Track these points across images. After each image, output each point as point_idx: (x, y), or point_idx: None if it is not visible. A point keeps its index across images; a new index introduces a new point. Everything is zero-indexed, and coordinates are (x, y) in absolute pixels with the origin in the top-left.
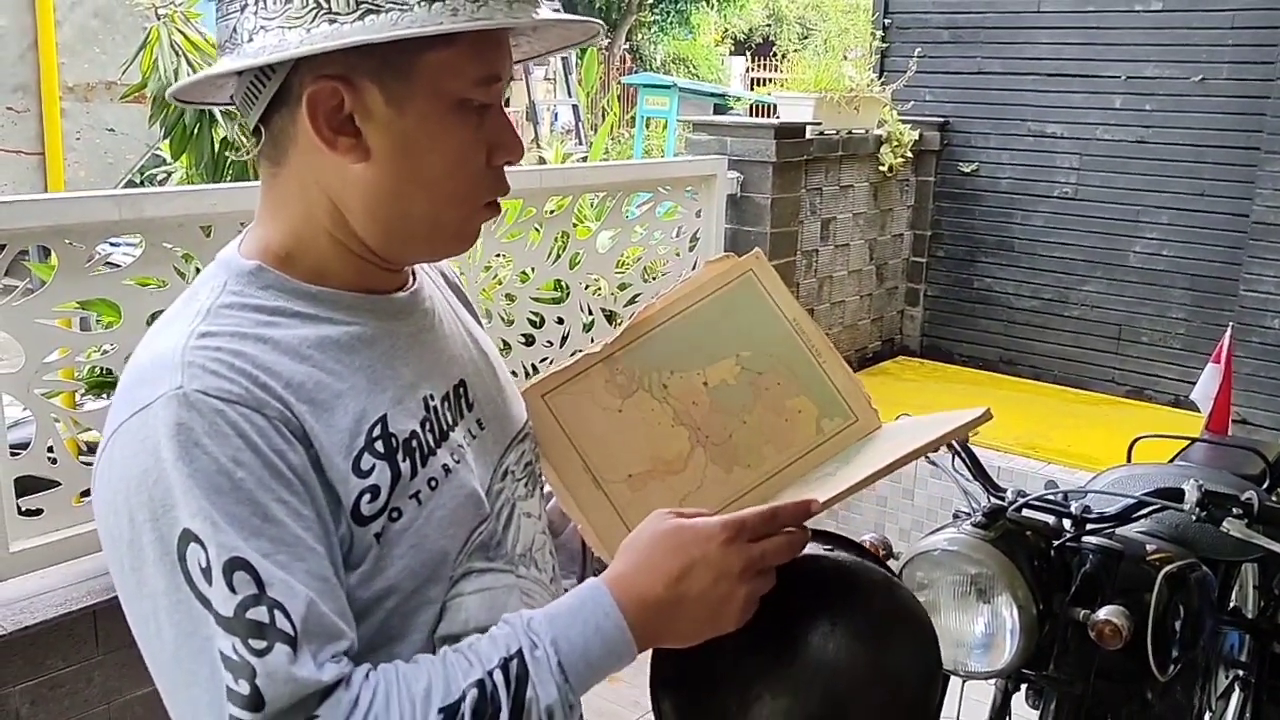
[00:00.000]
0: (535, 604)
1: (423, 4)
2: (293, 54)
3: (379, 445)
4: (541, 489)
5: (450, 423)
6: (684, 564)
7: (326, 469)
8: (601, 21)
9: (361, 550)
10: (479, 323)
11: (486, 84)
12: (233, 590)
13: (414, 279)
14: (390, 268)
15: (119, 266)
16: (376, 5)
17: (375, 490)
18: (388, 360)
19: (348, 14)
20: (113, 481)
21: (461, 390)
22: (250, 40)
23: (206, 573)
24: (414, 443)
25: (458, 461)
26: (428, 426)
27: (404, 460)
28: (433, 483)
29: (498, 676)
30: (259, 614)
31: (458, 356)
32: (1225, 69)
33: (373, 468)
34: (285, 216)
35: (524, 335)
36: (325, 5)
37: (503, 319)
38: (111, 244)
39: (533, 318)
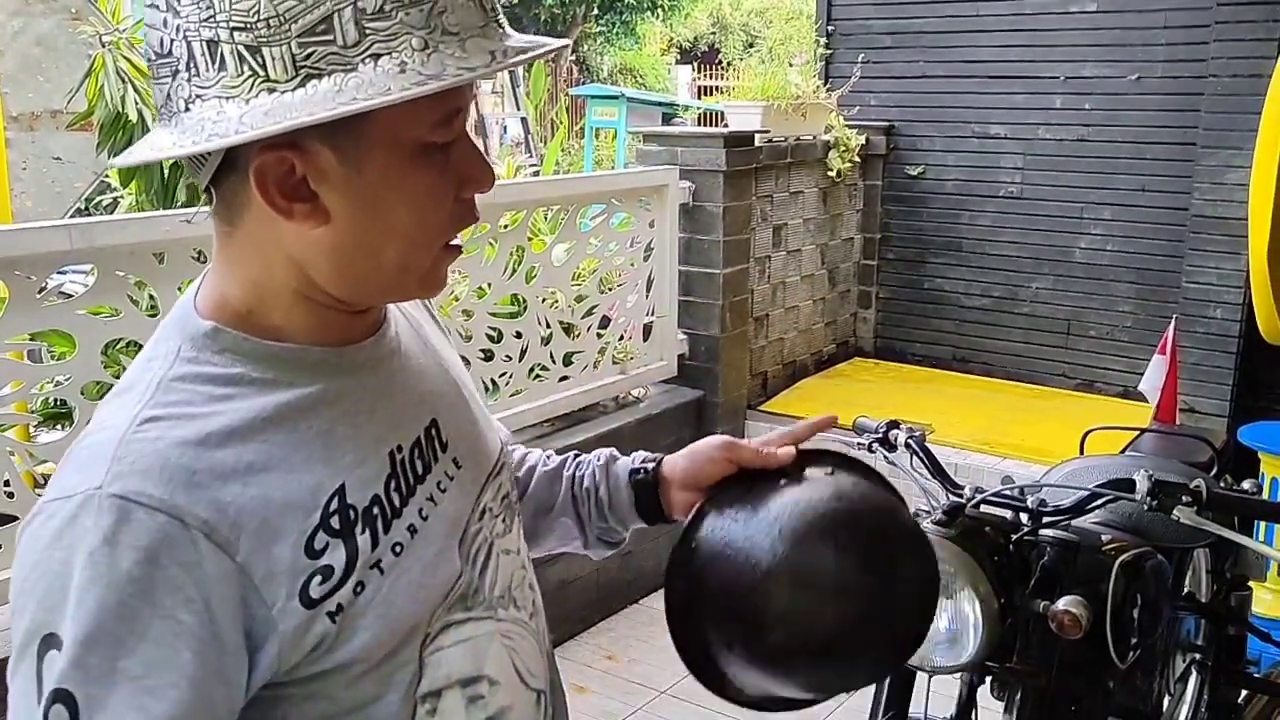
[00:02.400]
0: (516, 645)
1: (367, 62)
2: (231, 140)
3: (335, 521)
4: (518, 520)
5: (420, 473)
6: None
7: (254, 573)
8: (567, 41)
9: (317, 633)
10: (446, 335)
11: (447, 122)
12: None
13: (383, 314)
14: (359, 311)
15: (71, 296)
16: (317, 69)
17: (328, 571)
18: (350, 419)
19: (287, 81)
20: (21, 556)
21: (434, 431)
22: (187, 110)
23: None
24: (375, 509)
25: (425, 519)
26: (393, 485)
27: (363, 532)
28: (397, 548)
29: None
30: None
31: (429, 393)
32: (1160, 67)
33: (326, 547)
34: (243, 274)
35: (483, 350)
36: (263, 73)
37: (461, 335)
38: (59, 273)
39: (491, 333)
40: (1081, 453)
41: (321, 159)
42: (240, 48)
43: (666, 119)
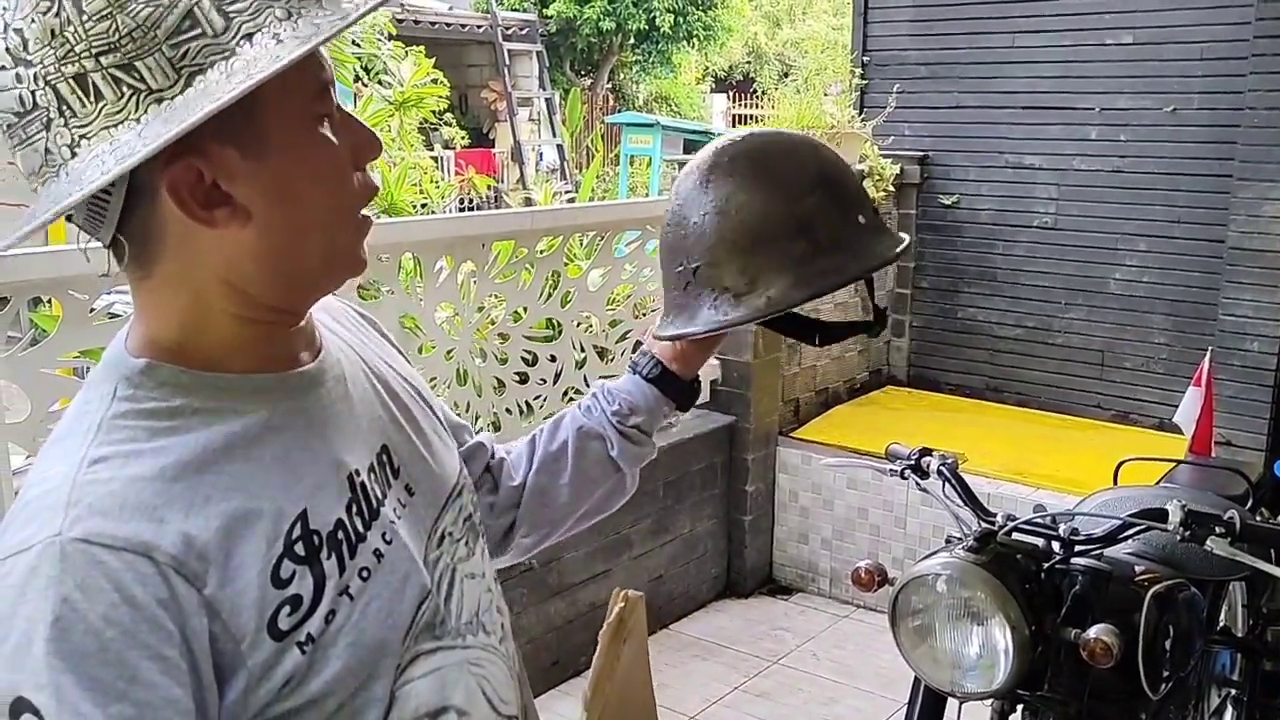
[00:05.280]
0: (486, 672)
1: (242, 44)
2: (141, 156)
3: (299, 548)
4: (483, 542)
5: (380, 497)
6: None
7: (221, 607)
8: None
9: (287, 668)
10: (401, 354)
11: (323, 94)
12: None
13: (320, 342)
14: (296, 322)
15: (119, 316)
16: (198, 64)
17: (296, 601)
18: (304, 444)
19: (172, 86)
20: None
21: (385, 456)
22: (74, 155)
23: None
24: (340, 534)
25: (389, 542)
26: (355, 509)
27: (329, 558)
28: (364, 573)
29: None
30: None
31: (376, 419)
32: (1196, 99)
33: (293, 575)
34: (169, 311)
35: (518, 373)
36: (144, 86)
37: (497, 358)
38: (106, 294)
39: (526, 356)
40: (1115, 484)
41: (226, 157)
42: (113, 70)
43: (689, 147)
